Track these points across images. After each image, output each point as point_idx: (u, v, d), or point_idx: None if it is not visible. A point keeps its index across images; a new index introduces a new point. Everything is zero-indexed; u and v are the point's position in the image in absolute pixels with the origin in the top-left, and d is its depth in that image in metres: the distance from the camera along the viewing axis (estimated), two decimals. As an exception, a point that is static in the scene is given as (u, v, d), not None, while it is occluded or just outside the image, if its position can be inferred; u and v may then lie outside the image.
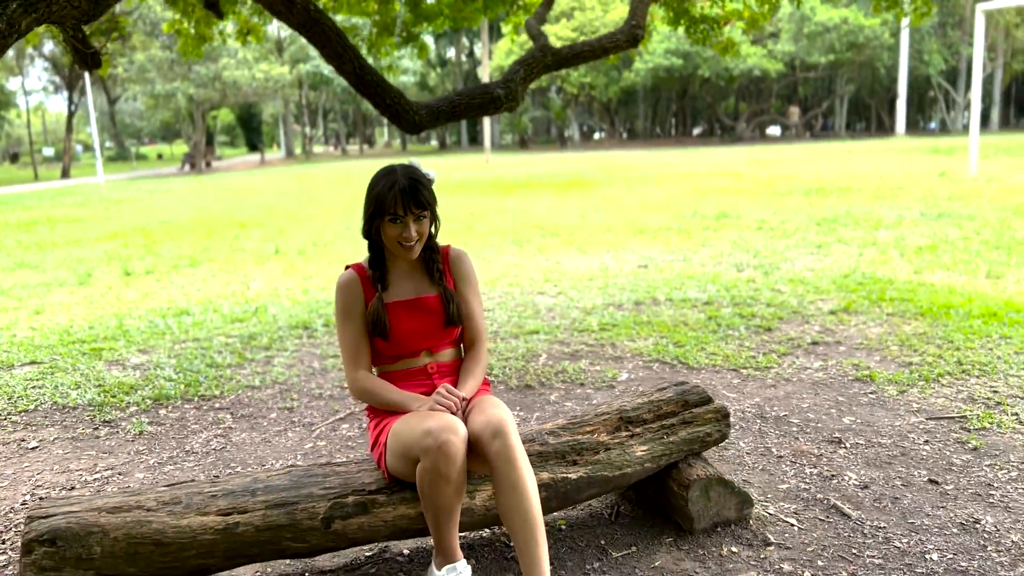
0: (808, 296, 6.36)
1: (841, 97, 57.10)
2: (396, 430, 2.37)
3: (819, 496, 3.09)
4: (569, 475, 2.62)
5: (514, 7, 6.75)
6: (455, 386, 2.52)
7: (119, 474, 3.56)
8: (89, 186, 30.17)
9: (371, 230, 2.55)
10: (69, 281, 8.58)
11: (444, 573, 2.37)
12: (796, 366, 4.69)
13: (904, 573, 2.55)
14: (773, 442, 3.63)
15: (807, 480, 3.24)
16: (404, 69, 46.71)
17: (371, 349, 2.60)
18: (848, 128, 60.74)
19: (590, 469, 2.66)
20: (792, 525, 2.87)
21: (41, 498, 3.29)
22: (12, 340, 5.96)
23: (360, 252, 2.69)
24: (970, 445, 3.50)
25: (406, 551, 2.76)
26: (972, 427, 3.70)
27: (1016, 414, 3.82)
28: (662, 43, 46.97)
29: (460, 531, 2.45)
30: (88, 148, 65.10)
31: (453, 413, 2.32)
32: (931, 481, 3.19)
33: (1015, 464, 3.30)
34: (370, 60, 4.70)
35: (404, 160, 2.66)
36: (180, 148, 67.22)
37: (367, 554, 2.75)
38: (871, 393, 4.20)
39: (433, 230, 2.61)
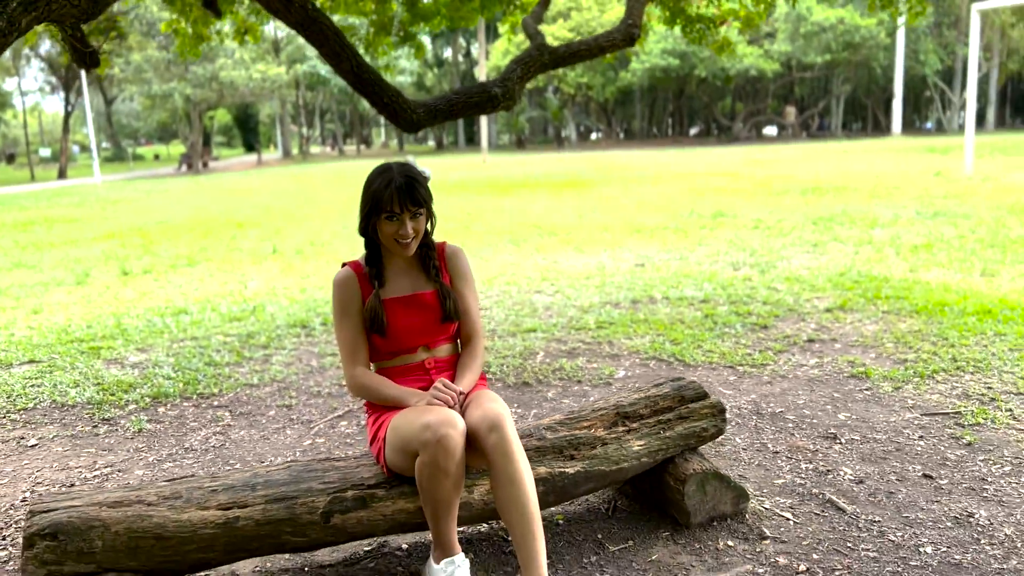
0: (804, 294, 6.39)
1: (837, 97, 57.17)
2: (395, 425, 2.39)
3: (814, 491, 3.11)
4: (566, 470, 2.64)
5: (511, 7, 6.77)
6: (452, 381, 2.54)
7: (118, 471, 3.58)
8: (86, 186, 30.15)
9: (368, 227, 2.57)
10: (67, 281, 8.59)
11: (443, 567, 2.39)
12: (792, 363, 4.72)
13: (899, 566, 2.57)
14: (769, 438, 3.66)
15: (802, 475, 3.26)
16: (401, 69, 46.70)
17: (369, 346, 2.62)
18: (844, 128, 60.82)
19: (587, 464, 2.68)
20: (788, 519, 2.90)
21: (41, 495, 3.31)
22: (10, 339, 5.97)
23: (357, 251, 2.71)
24: (964, 440, 3.53)
25: (405, 545, 2.79)
26: (966, 423, 3.72)
27: (1010, 410, 3.85)
28: (659, 43, 46.99)
29: (458, 525, 2.47)
30: (84, 149, 65.03)
31: (451, 407, 2.34)
32: (925, 476, 3.21)
33: (1009, 459, 3.33)
34: (367, 60, 4.71)
35: (401, 160, 2.68)
36: (177, 149, 67.16)
37: (366, 548, 2.77)
38: (866, 389, 4.22)
39: (429, 227, 2.63)
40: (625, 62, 49.43)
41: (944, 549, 2.67)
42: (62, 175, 40.17)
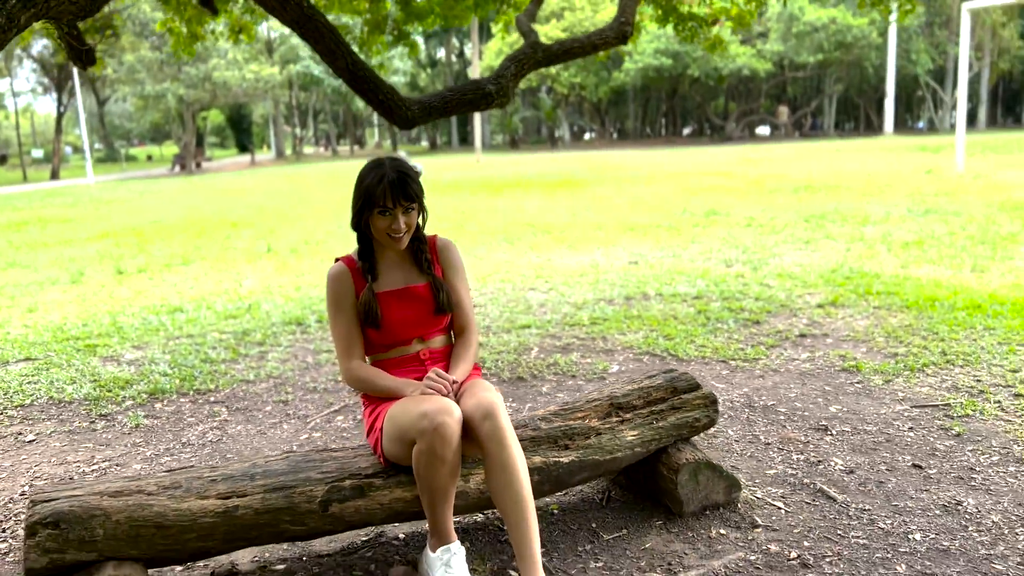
0: (796, 290, 6.44)
1: (830, 96, 57.36)
2: (392, 414, 2.42)
3: (806, 481, 3.16)
4: (561, 459, 2.68)
5: (504, 5, 6.81)
6: (447, 371, 2.57)
7: (116, 465, 3.61)
8: (79, 187, 30.09)
9: (360, 222, 2.60)
10: (61, 280, 8.60)
11: (439, 554, 2.43)
12: (784, 357, 4.77)
13: (888, 552, 2.62)
14: (761, 430, 3.70)
15: (794, 466, 3.31)
16: (394, 69, 46.64)
17: (364, 339, 2.65)
18: (837, 127, 61.02)
19: (581, 453, 2.72)
20: (779, 508, 2.94)
21: (42, 486, 3.33)
22: (6, 337, 5.98)
23: (352, 250, 2.74)
24: (953, 431, 3.58)
25: (402, 535, 2.82)
26: (955, 414, 3.77)
27: (998, 402, 3.90)
28: (651, 43, 47.11)
29: (455, 514, 2.50)
30: (77, 150, 64.84)
31: (444, 396, 2.38)
32: (915, 466, 3.26)
33: (996, 449, 3.38)
34: (361, 59, 4.74)
35: (393, 156, 2.72)
36: (170, 149, 66.95)
37: (363, 538, 2.80)
38: (857, 383, 4.27)
39: (421, 221, 2.66)
40: (618, 62, 49.51)
41: (933, 536, 2.71)
42: (55, 176, 40.05)
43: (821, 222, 10.51)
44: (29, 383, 4.81)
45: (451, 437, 2.26)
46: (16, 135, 51.55)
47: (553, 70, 48.61)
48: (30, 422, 4.19)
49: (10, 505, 3.22)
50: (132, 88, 42.38)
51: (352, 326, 2.62)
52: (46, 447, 3.85)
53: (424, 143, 70.07)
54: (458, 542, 2.45)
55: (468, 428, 2.33)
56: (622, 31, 4.87)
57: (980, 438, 3.50)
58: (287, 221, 14.06)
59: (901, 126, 56.55)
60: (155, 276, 8.66)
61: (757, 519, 2.85)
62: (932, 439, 3.51)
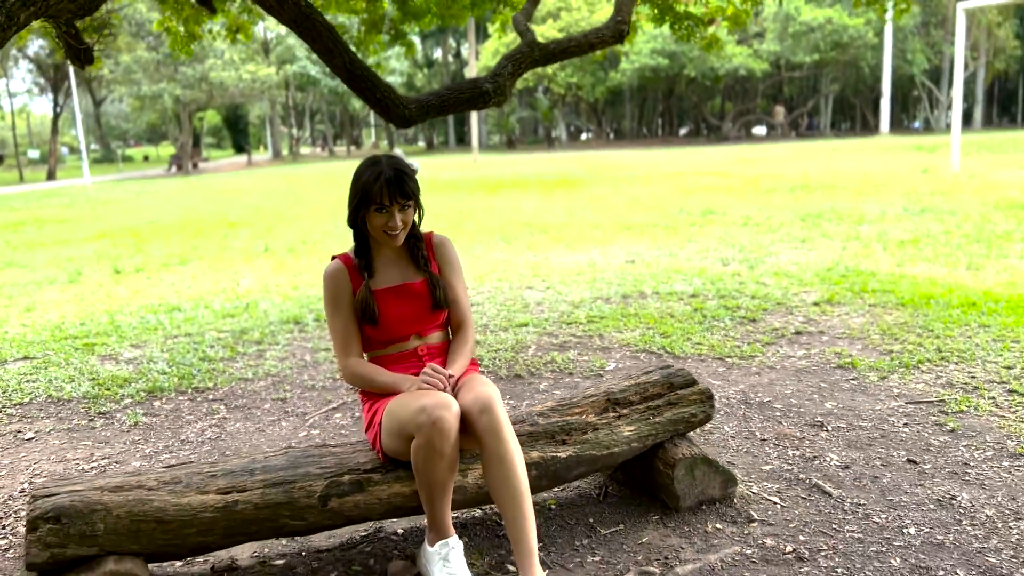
0: (792, 288, 6.46)
1: (826, 96, 57.46)
2: (390, 409, 2.44)
3: (801, 476, 3.18)
4: (559, 454, 2.70)
5: (501, 5, 6.82)
6: (444, 367, 2.59)
7: (115, 462, 3.62)
8: (76, 187, 30.06)
9: (357, 219, 2.62)
10: (59, 279, 8.60)
11: (437, 548, 2.44)
12: (780, 355, 4.79)
13: (883, 546, 2.64)
14: (757, 426, 3.72)
15: (790, 461, 3.33)
16: (391, 70, 46.64)
17: (362, 336, 2.66)
18: (833, 127, 61.12)
19: (579, 448, 2.74)
20: (775, 503, 2.96)
21: (43, 482, 3.34)
22: (4, 336, 5.99)
23: (349, 248, 2.76)
24: (948, 427, 3.60)
25: (400, 530, 2.84)
26: (950, 410, 3.80)
27: (993, 398, 3.93)
28: (648, 43, 47.16)
29: (453, 509, 2.52)
30: (74, 150, 64.81)
31: (441, 390, 2.39)
32: (910, 461, 3.28)
33: (991, 444, 3.40)
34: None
35: (389, 154, 2.73)
36: (166, 150, 66.89)
37: (362, 533, 2.82)
38: (853, 379, 4.30)
39: (417, 219, 2.68)
40: (615, 62, 49.57)
41: (927, 530, 2.73)
42: (51, 176, 40.01)
43: (817, 221, 10.54)
44: (28, 381, 4.82)
45: (449, 431, 2.28)
46: (12, 136, 51.47)
47: (550, 70, 48.67)
48: (29, 420, 4.20)
49: (9, 502, 3.24)
50: (128, 88, 42.35)
51: (349, 323, 2.64)
52: (45, 445, 3.86)
53: (421, 143, 70.06)
54: (456, 536, 2.47)
55: (466, 422, 2.35)
56: (619, 30, 4.89)
57: (974, 434, 3.52)
58: (284, 221, 14.06)
59: (897, 126, 56.66)
60: (153, 276, 8.66)
61: (753, 514, 2.87)
62: (927, 435, 3.54)
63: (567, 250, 9.15)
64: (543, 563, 2.58)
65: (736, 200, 13.78)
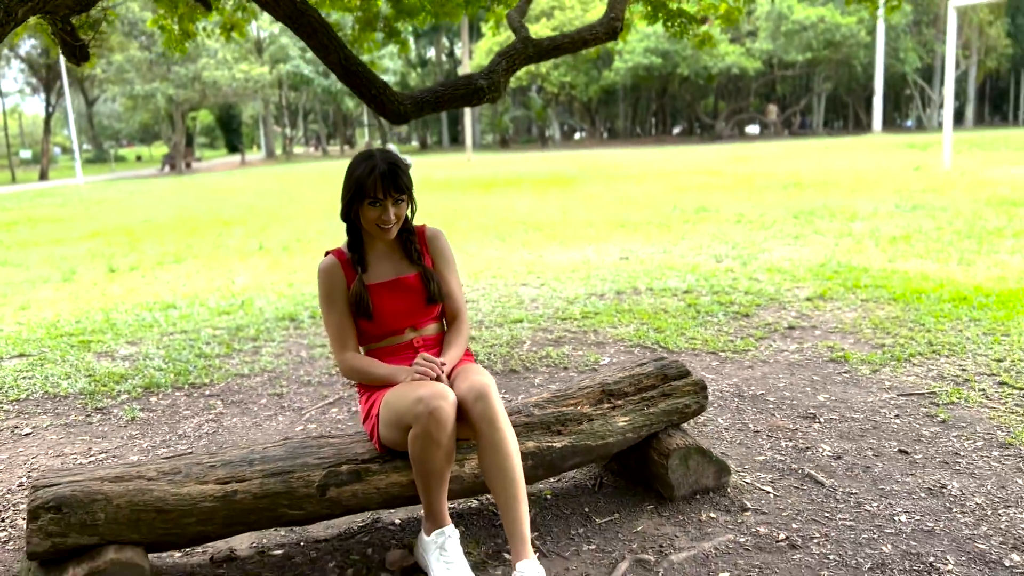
0: (785, 284, 6.51)
1: (819, 95, 57.59)
2: (388, 400, 2.47)
3: (794, 466, 3.21)
4: (554, 444, 2.73)
5: (495, 2, 6.84)
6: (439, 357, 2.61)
7: (113, 457, 3.64)
8: (69, 187, 29.98)
9: (350, 213, 2.64)
10: (53, 278, 8.60)
11: (434, 538, 2.47)
12: (773, 349, 4.83)
13: (874, 533, 2.68)
14: (750, 418, 3.76)
15: (783, 452, 3.36)
16: (384, 69, 46.57)
17: (357, 329, 2.68)
18: (826, 126, 61.27)
19: (574, 439, 2.77)
20: (768, 492, 3.00)
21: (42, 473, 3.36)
22: (-1, 334, 6.00)
23: (342, 242, 2.78)
24: (939, 418, 3.64)
25: (397, 520, 2.87)
26: (941, 402, 3.84)
27: (983, 390, 3.97)
28: (641, 42, 47.21)
29: (450, 499, 2.55)
30: (66, 150, 64.50)
31: (434, 379, 2.42)
32: (901, 451, 3.32)
33: (981, 434, 3.44)
34: (354, 53, 4.77)
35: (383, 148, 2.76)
36: (159, 150, 66.64)
37: (360, 524, 2.84)
38: (845, 373, 4.33)
39: (409, 213, 2.70)
40: (608, 61, 49.61)
41: (918, 518, 2.77)
42: (44, 176, 39.88)
43: (810, 218, 10.59)
44: (24, 378, 4.83)
45: (446, 421, 2.31)
46: (4, 136, 51.27)
47: (543, 69, 48.69)
48: (26, 416, 4.21)
49: (8, 496, 3.25)
50: (121, 88, 42.22)
51: (345, 318, 2.66)
52: (43, 440, 3.88)
53: (415, 143, 70.02)
54: (452, 526, 2.49)
55: (461, 410, 2.37)
56: (612, 26, 4.91)
57: (965, 424, 3.56)
58: (278, 220, 14.07)
59: (889, 124, 56.83)
60: (147, 274, 8.67)
61: (746, 503, 2.91)
62: (918, 426, 3.58)
63: (561, 247, 9.19)
64: (540, 552, 2.61)
65: (729, 198, 13.83)
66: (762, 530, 2.72)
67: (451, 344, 2.68)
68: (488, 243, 9.80)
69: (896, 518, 2.77)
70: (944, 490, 2.96)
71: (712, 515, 2.83)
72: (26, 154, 58.53)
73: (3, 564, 2.69)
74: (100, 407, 4.30)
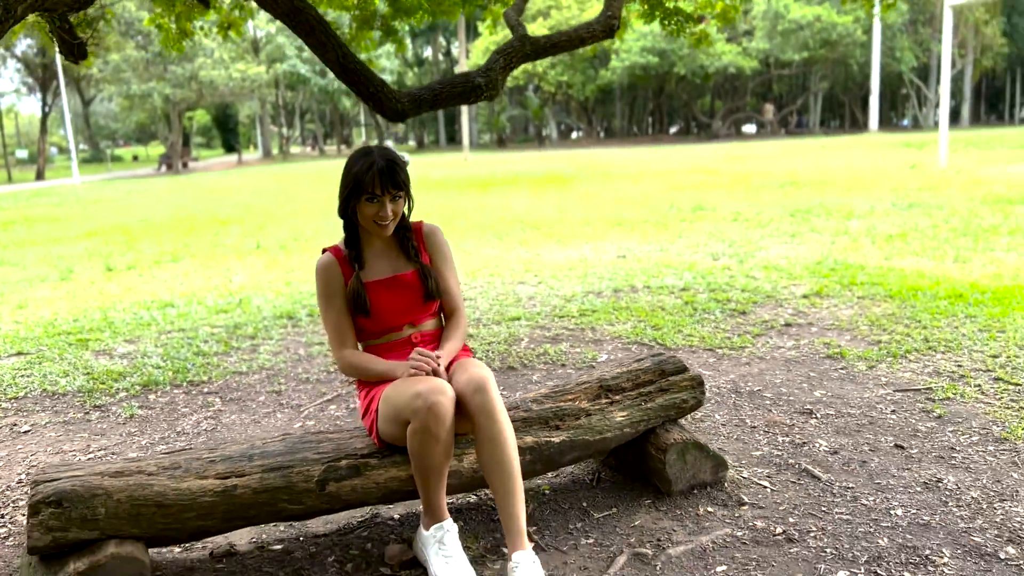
0: (781, 282, 6.52)
1: (815, 94, 57.68)
2: (387, 395, 2.48)
3: (791, 461, 3.23)
4: (552, 439, 2.74)
5: (491, 1, 6.85)
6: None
7: (112, 454, 3.64)
8: (65, 187, 29.95)
9: (347, 209, 2.64)
10: (51, 277, 8.60)
11: (432, 532, 2.48)
12: (769, 345, 4.84)
13: (870, 527, 2.69)
14: (747, 414, 3.77)
15: (779, 447, 3.38)
16: (381, 68, 46.56)
17: (355, 326, 2.69)
18: (822, 125, 61.38)
19: (572, 433, 2.78)
20: (765, 487, 3.01)
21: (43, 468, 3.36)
22: (-3, 333, 6.00)
23: (339, 239, 2.79)
24: (935, 414, 3.66)
25: (396, 515, 2.88)
26: (937, 398, 3.86)
27: (979, 385, 3.99)
28: (638, 41, 47.28)
29: (448, 494, 2.56)
30: (63, 150, 64.44)
31: (430, 373, 2.43)
32: (897, 446, 3.34)
33: (976, 430, 3.46)
34: (352, 51, 4.77)
35: (381, 145, 2.77)
36: (156, 150, 66.56)
37: (359, 519, 2.85)
38: (841, 369, 4.35)
39: (407, 210, 2.71)
40: (605, 60, 49.66)
41: (914, 511, 2.79)
42: (40, 176, 39.82)
43: (806, 216, 10.62)
44: (22, 376, 4.84)
45: (445, 416, 2.32)
46: (0, 135, 51.17)
47: (540, 68, 48.70)
48: (24, 413, 4.22)
49: (7, 492, 3.26)
50: (117, 88, 42.14)
51: (343, 315, 2.67)
52: (41, 437, 3.89)
53: (412, 142, 70.02)
54: (451, 520, 2.50)
55: (460, 403, 2.39)
56: (609, 24, 4.92)
57: (960, 419, 3.58)
58: (275, 219, 14.07)
59: (886, 123, 56.95)
60: (145, 273, 8.67)
61: (744, 497, 2.92)
62: (914, 421, 3.59)
63: (558, 246, 9.20)
64: (538, 546, 2.63)
65: (726, 196, 13.85)
66: (759, 524, 2.74)
67: (448, 338, 2.69)
68: (485, 242, 9.81)
69: (892, 512, 2.78)
70: (940, 484, 2.98)
71: (709, 509, 2.84)
72: (22, 154, 58.42)
73: (3, 560, 2.70)
74: (98, 405, 4.30)
